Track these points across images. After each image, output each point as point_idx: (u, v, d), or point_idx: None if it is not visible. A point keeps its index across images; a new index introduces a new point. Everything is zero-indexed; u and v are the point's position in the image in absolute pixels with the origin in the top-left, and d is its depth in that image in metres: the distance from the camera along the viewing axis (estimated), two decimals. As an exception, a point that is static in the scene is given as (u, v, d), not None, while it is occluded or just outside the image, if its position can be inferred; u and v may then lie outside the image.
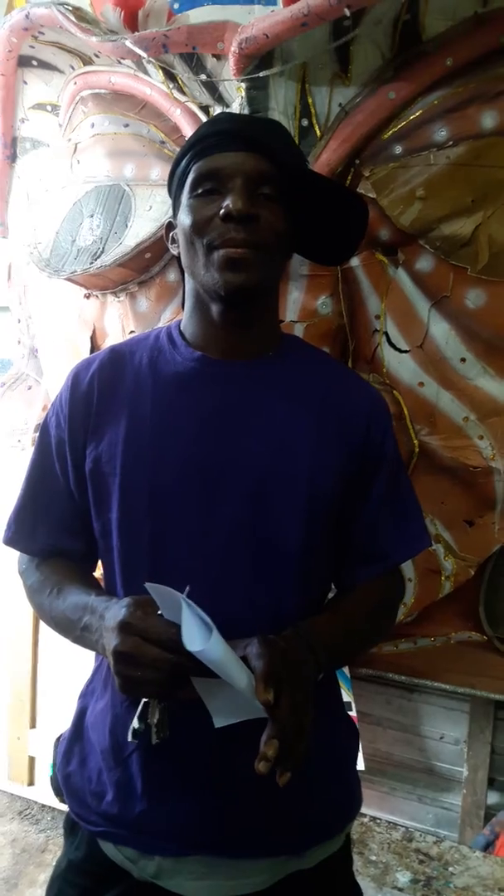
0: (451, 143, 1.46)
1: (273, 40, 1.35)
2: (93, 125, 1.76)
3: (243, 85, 1.44)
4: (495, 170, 1.46)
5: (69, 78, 1.80)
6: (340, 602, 1.09)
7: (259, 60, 1.40)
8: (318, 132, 1.50)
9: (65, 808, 1.10)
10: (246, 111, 1.46)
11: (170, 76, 1.57)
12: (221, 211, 0.94)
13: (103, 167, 1.74)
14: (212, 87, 1.53)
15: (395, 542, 1.09)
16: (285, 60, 1.42)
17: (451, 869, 1.99)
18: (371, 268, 1.59)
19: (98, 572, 1.13)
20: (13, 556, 1.14)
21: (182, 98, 1.58)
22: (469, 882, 1.94)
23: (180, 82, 1.57)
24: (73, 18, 1.60)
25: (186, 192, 1.00)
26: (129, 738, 0.91)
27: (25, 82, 1.92)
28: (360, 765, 1.83)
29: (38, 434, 1.11)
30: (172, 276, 1.69)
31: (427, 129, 1.48)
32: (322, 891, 1.07)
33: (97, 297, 1.84)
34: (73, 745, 1.09)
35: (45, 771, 2.45)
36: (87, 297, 1.86)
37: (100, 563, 1.10)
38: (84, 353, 1.88)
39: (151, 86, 1.61)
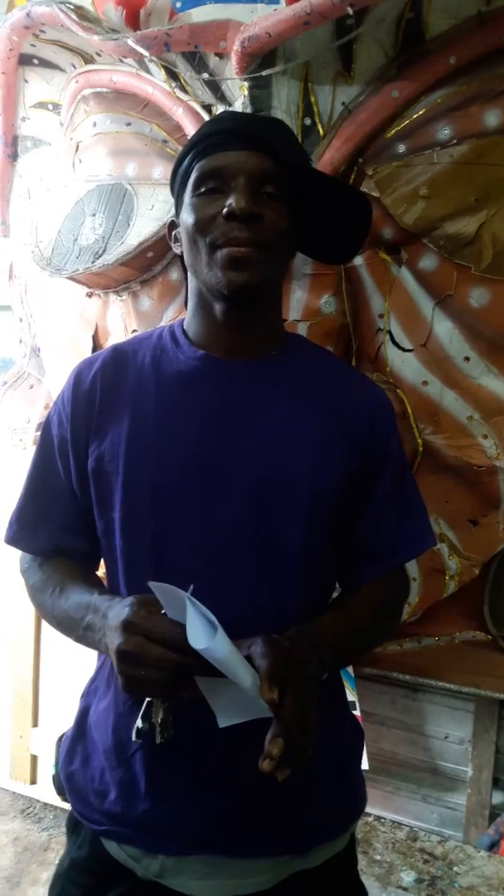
0: (454, 141, 1.46)
1: (276, 39, 1.34)
2: (94, 124, 1.76)
3: (246, 84, 1.43)
4: (499, 168, 1.46)
5: (70, 76, 1.80)
6: (345, 601, 1.09)
7: (262, 59, 1.40)
8: (321, 131, 1.50)
9: (67, 806, 1.10)
10: (249, 110, 1.46)
11: (172, 75, 1.57)
12: (224, 210, 0.94)
13: (105, 166, 1.74)
14: (214, 86, 1.53)
15: (399, 542, 1.09)
16: (288, 59, 1.42)
17: (455, 868, 1.99)
18: (374, 266, 1.59)
19: (100, 571, 1.13)
20: (15, 555, 1.14)
21: (184, 97, 1.58)
22: (474, 882, 1.94)
23: (182, 81, 1.57)
24: (74, 17, 1.60)
25: (189, 190, 1.00)
26: (133, 738, 0.91)
27: (27, 81, 1.92)
28: (365, 764, 1.83)
29: (39, 433, 1.11)
30: (175, 275, 1.69)
31: (430, 128, 1.47)
32: (326, 890, 1.07)
33: (99, 296, 1.84)
34: (75, 743, 1.09)
35: (47, 769, 2.45)
36: (89, 296, 1.86)
37: (102, 561, 1.10)
38: (86, 352, 1.88)
39: (153, 84, 1.61)
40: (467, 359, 1.59)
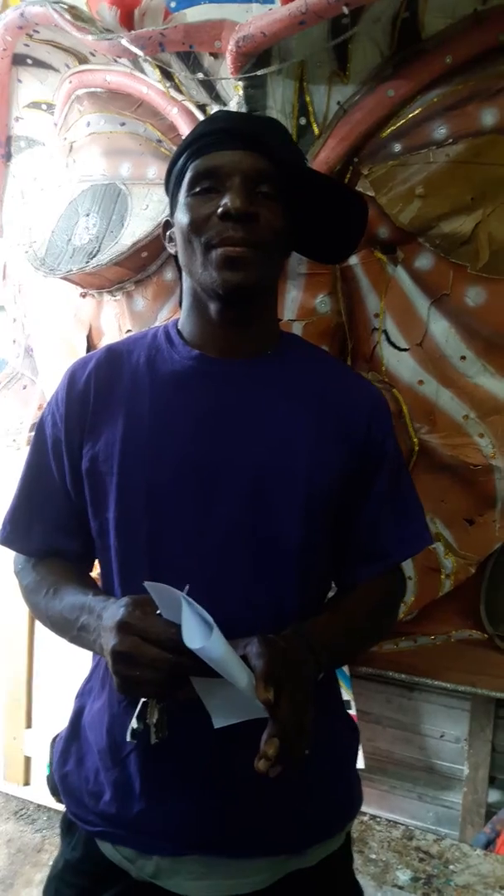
0: (450, 140, 1.46)
1: (271, 38, 1.34)
2: (88, 124, 1.76)
3: (241, 83, 1.43)
4: (495, 167, 1.46)
5: (64, 76, 1.79)
6: (341, 601, 1.09)
7: (256, 59, 1.40)
8: (316, 131, 1.50)
9: (61, 807, 1.10)
10: (244, 110, 1.45)
11: (166, 75, 1.57)
12: (220, 209, 0.94)
13: (99, 166, 1.73)
14: (209, 86, 1.53)
15: (395, 541, 1.09)
16: (283, 59, 1.41)
17: (451, 867, 1.99)
18: (370, 266, 1.59)
19: (94, 572, 1.13)
20: (8, 556, 1.14)
21: (179, 97, 1.58)
22: (470, 880, 1.94)
23: (177, 81, 1.56)
24: (68, 17, 1.59)
25: (184, 190, 1.00)
26: (128, 738, 0.91)
27: (20, 81, 1.92)
28: (361, 763, 1.83)
29: (33, 433, 1.11)
30: (169, 274, 1.69)
31: (426, 127, 1.47)
32: (322, 889, 1.07)
33: (93, 296, 1.83)
34: (69, 744, 1.09)
35: (41, 771, 2.45)
36: (84, 296, 1.85)
37: (96, 562, 1.10)
38: (80, 352, 1.88)
39: (148, 84, 1.61)
40: (463, 358, 1.59)
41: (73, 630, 0.96)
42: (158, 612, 0.83)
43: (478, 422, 1.63)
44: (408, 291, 1.58)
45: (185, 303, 1.07)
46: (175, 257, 1.08)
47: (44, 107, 1.92)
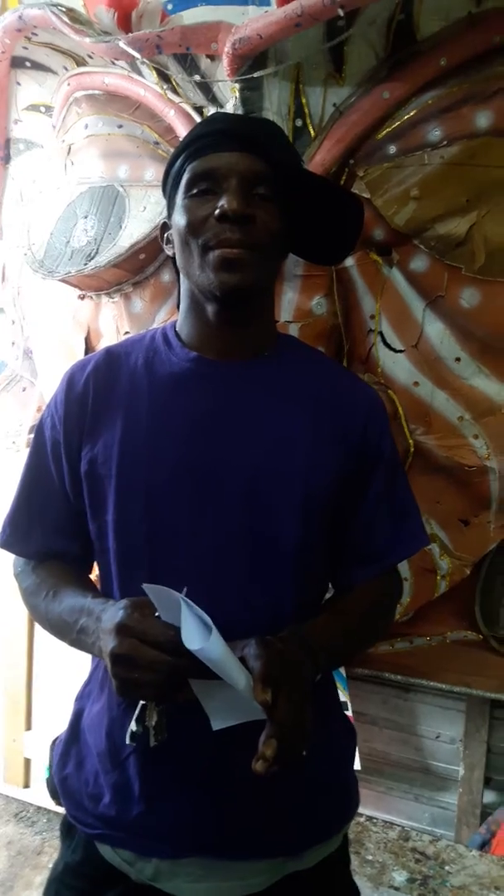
0: (445, 142, 1.46)
1: (267, 41, 1.34)
2: (86, 126, 1.76)
3: (237, 85, 1.44)
4: (489, 169, 1.46)
5: (63, 79, 1.79)
6: (338, 602, 1.10)
7: (253, 61, 1.40)
8: (312, 132, 1.50)
9: (61, 810, 1.10)
10: (240, 111, 1.45)
11: (164, 77, 1.57)
12: (216, 211, 0.94)
13: (97, 168, 1.74)
14: (206, 88, 1.53)
15: (392, 541, 1.09)
16: (279, 61, 1.42)
17: (447, 868, 2.00)
18: (366, 268, 1.59)
19: (93, 574, 1.13)
20: (8, 558, 1.14)
21: (176, 99, 1.58)
22: (465, 881, 1.94)
23: (174, 83, 1.57)
24: (66, 19, 1.59)
25: (181, 192, 1.00)
26: (127, 741, 0.91)
27: (19, 83, 1.92)
28: (357, 764, 1.83)
29: (32, 436, 1.11)
30: (167, 276, 1.69)
31: (421, 129, 1.48)
32: (320, 891, 1.07)
33: (91, 298, 1.84)
34: (69, 747, 1.09)
35: (40, 773, 2.45)
36: (82, 298, 1.85)
37: (95, 564, 1.10)
38: (79, 354, 1.88)
39: (145, 87, 1.61)
40: (458, 359, 1.59)
41: (72, 633, 0.96)
42: (157, 614, 0.83)
43: (472, 423, 1.63)
44: (403, 293, 1.58)
45: (183, 305, 1.08)
46: (173, 259, 1.08)
47: (42, 109, 1.92)
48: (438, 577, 1.82)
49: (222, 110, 1.51)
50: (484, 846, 2.05)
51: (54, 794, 1.12)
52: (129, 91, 1.65)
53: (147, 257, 1.67)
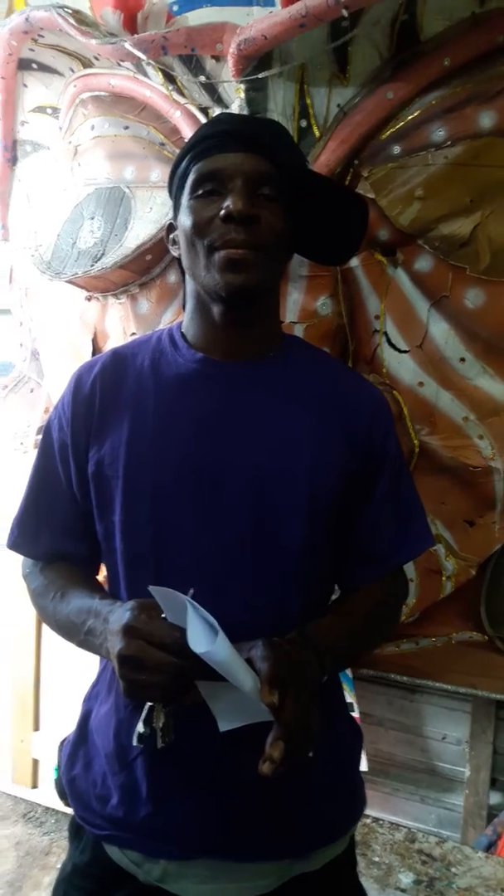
0: (449, 143, 1.46)
1: (272, 41, 1.35)
2: (93, 127, 1.76)
3: (242, 86, 1.44)
4: (493, 169, 1.46)
5: (69, 81, 1.80)
6: (344, 604, 1.09)
7: (258, 62, 1.40)
8: (316, 133, 1.51)
9: (69, 811, 1.10)
10: (245, 112, 1.46)
11: (169, 78, 1.57)
12: (222, 212, 0.94)
13: (103, 169, 1.74)
14: (211, 89, 1.53)
15: (398, 542, 1.09)
16: (284, 61, 1.42)
17: (453, 870, 1.99)
18: (370, 268, 1.59)
19: (101, 575, 1.13)
20: (16, 559, 1.14)
21: (181, 100, 1.58)
22: (472, 883, 1.94)
23: (179, 84, 1.57)
24: (72, 21, 1.60)
25: (187, 193, 1.00)
26: (135, 743, 0.91)
27: (25, 85, 1.93)
28: (363, 766, 1.83)
29: (40, 437, 1.11)
30: (173, 277, 1.69)
31: (425, 130, 1.48)
32: (327, 893, 1.07)
33: (98, 299, 1.84)
34: (77, 748, 1.09)
35: (48, 774, 2.45)
36: (88, 299, 1.86)
37: (103, 565, 1.10)
38: (85, 355, 1.88)
39: (151, 88, 1.61)
40: (463, 360, 1.59)
41: (80, 634, 0.97)
42: (164, 615, 0.83)
43: (477, 423, 1.63)
44: (408, 293, 1.58)
45: (189, 305, 1.08)
46: (178, 260, 1.08)
47: (49, 111, 1.93)
48: (444, 578, 1.82)
49: (227, 111, 1.51)
50: (490, 848, 2.04)
51: (62, 795, 1.12)
52: (134, 92, 1.65)
53: (153, 258, 1.67)
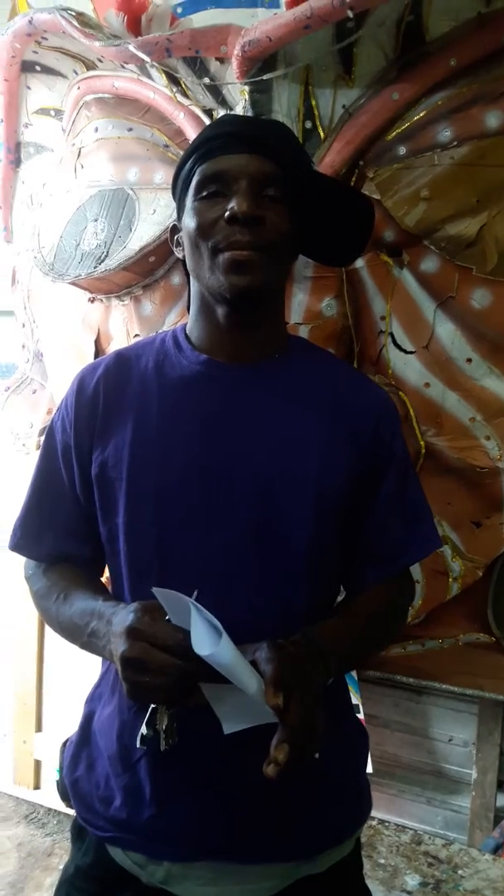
0: (455, 143, 1.46)
1: (276, 43, 1.34)
2: (96, 129, 1.76)
3: (247, 88, 1.43)
4: (499, 170, 1.46)
5: (72, 83, 1.80)
6: (350, 605, 1.09)
7: (262, 63, 1.40)
8: (321, 134, 1.50)
9: (71, 812, 1.10)
10: (250, 114, 1.45)
11: (173, 80, 1.57)
12: (226, 213, 0.94)
13: (107, 171, 1.74)
14: (215, 91, 1.53)
15: (404, 543, 1.09)
16: (289, 63, 1.41)
17: (460, 872, 1.99)
18: (376, 269, 1.59)
19: (104, 577, 1.13)
20: (19, 560, 1.14)
21: (185, 102, 1.58)
22: (478, 885, 1.93)
23: (184, 86, 1.57)
24: (76, 23, 1.60)
25: (191, 194, 1.00)
26: (138, 745, 0.91)
27: (29, 87, 1.93)
28: (369, 768, 1.82)
29: (43, 439, 1.11)
30: (177, 279, 1.69)
31: (431, 130, 1.47)
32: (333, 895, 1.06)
33: (101, 301, 1.84)
34: (80, 750, 1.09)
35: (50, 775, 2.45)
36: (92, 301, 1.86)
37: (106, 567, 1.10)
38: (88, 357, 1.88)
39: (155, 90, 1.61)
40: (469, 360, 1.59)
41: (83, 636, 0.96)
42: (167, 617, 0.83)
43: (484, 424, 1.62)
44: (414, 294, 1.58)
45: (193, 307, 1.08)
46: (183, 262, 1.08)
47: (52, 113, 1.93)
48: (450, 580, 1.81)
49: (232, 113, 1.51)
50: (497, 850, 2.04)
51: (65, 797, 1.12)
52: (138, 94, 1.65)
53: (157, 260, 1.67)
